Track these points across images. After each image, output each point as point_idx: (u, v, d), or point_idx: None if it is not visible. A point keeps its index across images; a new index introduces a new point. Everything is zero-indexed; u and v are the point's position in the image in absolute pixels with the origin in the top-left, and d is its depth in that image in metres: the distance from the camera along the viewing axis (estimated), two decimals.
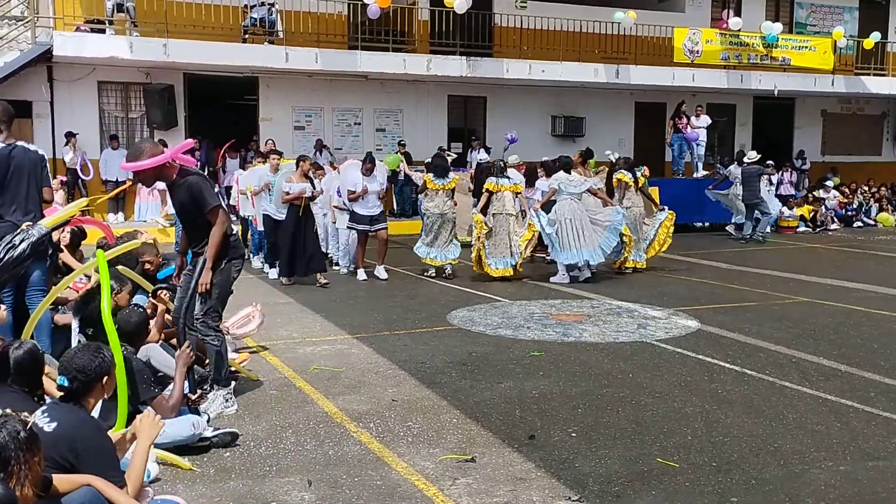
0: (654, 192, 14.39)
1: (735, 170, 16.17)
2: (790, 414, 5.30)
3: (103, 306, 4.41)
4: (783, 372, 6.31)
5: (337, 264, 11.55)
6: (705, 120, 18.39)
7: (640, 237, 11.51)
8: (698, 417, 5.22)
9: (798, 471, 4.37)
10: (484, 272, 10.68)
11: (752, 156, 16.03)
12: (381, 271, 10.77)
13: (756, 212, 15.80)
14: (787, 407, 5.44)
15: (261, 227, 11.32)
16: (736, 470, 4.36)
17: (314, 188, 10.40)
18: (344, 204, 11.06)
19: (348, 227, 11.00)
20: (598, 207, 10.98)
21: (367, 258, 11.10)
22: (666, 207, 11.90)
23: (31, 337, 4.85)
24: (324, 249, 11.35)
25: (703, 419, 5.18)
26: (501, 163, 11.69)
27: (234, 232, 5.45)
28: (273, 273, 10.90)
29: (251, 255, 12.23)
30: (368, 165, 10.77)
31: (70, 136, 15.50)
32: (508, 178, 11.11)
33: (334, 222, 11.53)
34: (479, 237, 10.71)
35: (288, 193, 10.13)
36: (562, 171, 10.91)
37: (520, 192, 11.13)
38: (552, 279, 10.69)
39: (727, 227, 16.81)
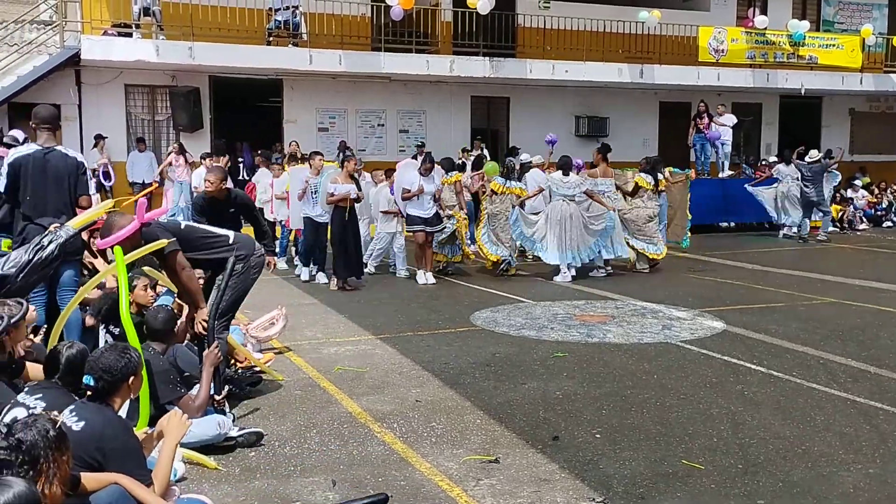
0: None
1: (785, 169, 16.13)
2: (818, 416, 5.24)
3: (121, 305, 4.46)
4: (811, 373, 6.23)
5: (365, 265, 11.44)
6: (730, 118, 18.21)
7: (647, 233, 11.52)
8: (724, 419, 5.17)
9: (826, 473, 4.32)
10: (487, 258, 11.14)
11: (814, 154, 15.98)
12: (428, 276, 10.53)
13: (814, 209, 15.71)
14: (814, 408, 5.38)
15: (291, 227, 11.26)
16: (763, 472, 4.32)
17: (359, 189, 10.22)
18: (396, 204, 10.84)
19: (408, 231, 10.84)
20: (598, 209, 11.02)
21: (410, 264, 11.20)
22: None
23: (61, 336, 4.92)
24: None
25: (729, 421, 5.14)
26: (513, 164, 11.81)
27: (250, 241, 5.52)
28: (305, 273, 10.82)
29: (277, 257, 12.32)
30: (427, 165, 10.58)
31: (99, 138, 15.68)
32: (518, 181, 11.35)
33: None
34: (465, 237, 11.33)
35: (332, 195, 9.95)
36: (558, 172, 10.96)
37: (522, 195, 11.21)
38: (556, 278, 10.81)
39: (784, 231, 16.51)
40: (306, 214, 10.64)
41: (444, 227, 10.99)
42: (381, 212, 11.24)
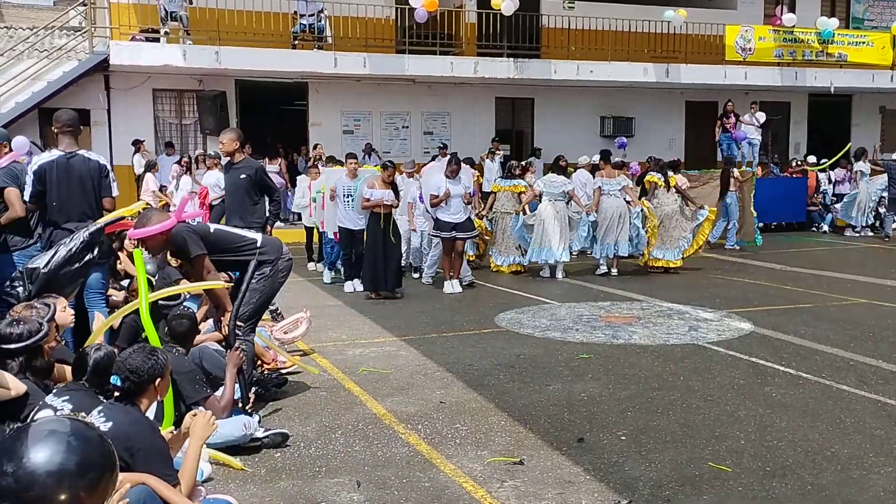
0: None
1: (863, 166, 16.21)
2: (847, 418, 5.16)
3: (141, 307, 4.50)
4: (840, 375, 6.15)
5: (417, 270, 11.11)
6: (761, 116, 18.01)
7: (674, 236, 11.51)
8: (751, 421, 5.12)
9: (856, 476, 4.25)
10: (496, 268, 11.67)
11: None
12: (454, 285, 9.95)
13: None
14: (844, 411, 5.31)
15: (325, 230, 10.85)
16: (791, 475, 4.27)
17: (397, 196, 9.74)
18: (426, 210, 10.39)
19: (431, 236, 10.41)
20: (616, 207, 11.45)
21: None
22: (706, 206, 12.03)
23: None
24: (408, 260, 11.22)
25: (756, 423, 5.08)
26: (513, 162, 12.33)
27: (278, 243, 5.54)
28: (349, 286, 10.11)
29: (315, 263, 11.98)
30: (453, 167, 10.06)
31: (137, 143, 15.82)
32: (520, 179, 11.71)
33: (414, 229, 11.08)
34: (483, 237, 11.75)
35: (368, 200, 9.52)
36: (550, 174, 11.50)
37: (521, 192, 11.55)
38: (541, 272, 11.32)
39: (852, 228, 16.71)
40: (341, 223, 10.12)
41: (475, 236, 10.81)
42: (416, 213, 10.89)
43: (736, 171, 14.42)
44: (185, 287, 5.40)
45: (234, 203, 7.43)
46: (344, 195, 10.12)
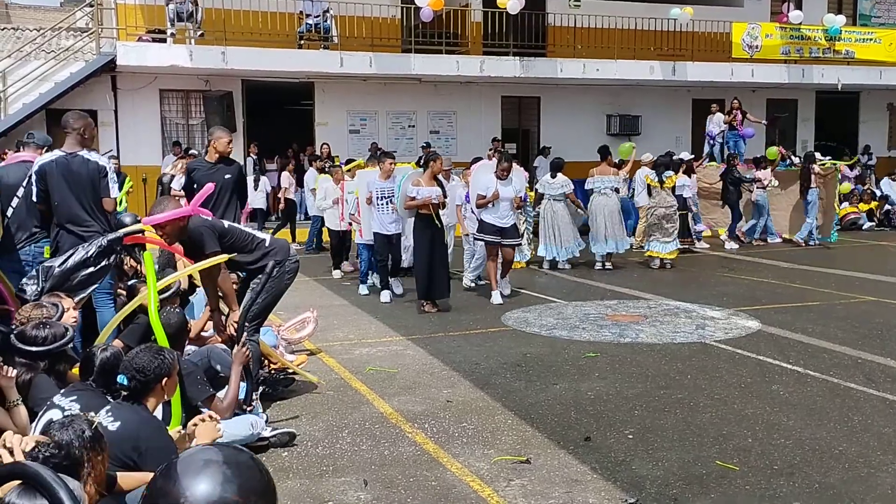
0: None
1: None
2: (855, 416, 5.15)
3: (150, 307, 4.52)
4: (848, 373, 6.13)
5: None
6: (719, 118, 17.69)
7: (666, 231, 11.75)
8: (758, 420, 5.11)
9: (864, 474, 4.25)
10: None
11: None
12: (502, 288, 9.43)
13: None
14: (851, 409, 5.29)
15: (359, 240, 9.98)
16: (798, 473, 4.26)
17: (444, 193, 8.92)
18: (472, 211, 9.75)
19: (475, 238, 9.76)
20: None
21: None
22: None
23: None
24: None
25: (763, 422, 5.07)
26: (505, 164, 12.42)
27: (286, 245, 5.54)
28: (385, 295, 9.40)
29: (341, 271, 11.31)
30: (505, 166, 9.28)
31: (177, 145, 15.77)
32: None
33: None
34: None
35: (413, 199, 8.68)
36: (547, 175, 11.81)
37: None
38: (542, 266, 11.74)
39: None
40: (376, 229, 9.29)
41: (520, 243, 10.45)
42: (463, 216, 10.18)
43: (816, 167, 14.35)
44: (189, 269, 5.37)
45: (218, 203, 7.15)
46: (379, 198, 9.26)
